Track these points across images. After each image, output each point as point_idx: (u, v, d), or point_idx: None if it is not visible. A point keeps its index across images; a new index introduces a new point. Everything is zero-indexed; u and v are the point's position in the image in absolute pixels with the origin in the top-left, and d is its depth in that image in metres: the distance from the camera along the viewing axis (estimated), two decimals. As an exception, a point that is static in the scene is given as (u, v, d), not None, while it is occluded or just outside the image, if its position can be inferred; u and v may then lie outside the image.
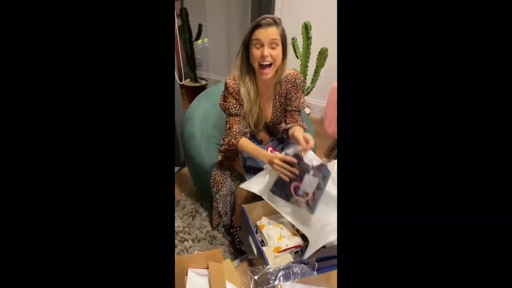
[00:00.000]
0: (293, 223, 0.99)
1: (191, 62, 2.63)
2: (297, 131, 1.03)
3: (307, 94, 2.17)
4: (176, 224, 1.35)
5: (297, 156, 0.92)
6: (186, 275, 1.01)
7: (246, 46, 1.01)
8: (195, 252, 1.23)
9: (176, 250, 1.24)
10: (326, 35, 1.93)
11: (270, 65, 0.99)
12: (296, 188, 0.93)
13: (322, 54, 1.94)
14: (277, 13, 2.25)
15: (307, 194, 0.92)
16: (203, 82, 2.75)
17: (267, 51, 0.96)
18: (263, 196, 1.00)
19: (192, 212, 1.44)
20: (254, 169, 1.11)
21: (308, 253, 0.93)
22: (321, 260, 1.04)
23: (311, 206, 0.93)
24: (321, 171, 0.91)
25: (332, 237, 0.93)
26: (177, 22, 2.41)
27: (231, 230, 1.29)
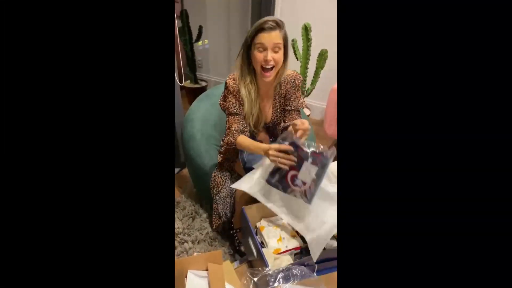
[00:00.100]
0: (288, 221, 0.97)
1: (192, 64, 2.64)
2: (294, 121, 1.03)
3: (307, 96, 2.18)
4: (176, 226, 1.35)
5: (294, 144, 0.89)
6: (186, 276, 1.01)
7: (248, 47, 1.02)
8: (195, 253, 1.23)
9: (176, 252, 1.24)
10: (326, 35, 1.94)
11: (272, 68, 1.00)
12: (294, 178, 0.91)
13: (322, 56, 1.95)
14: (277, 14, 2.25)
15: (305, 183, 0.90)
16: (203, 84, 2.76)
17: (270, 55, 0.97)
18: (255, 196, 0.98)
19: (192, 214, 1.44)
20: (254, 170, 1.11)
21: (315, 253, 0.92)
22: (321, 262, 1.04)
23: (308, 196, 0.91)
24: (320, 159, 0.88)
25: (332, 232, 0.92)
26: (178, 23, 2.42)
27: (231, 232, 1.29)
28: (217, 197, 1.22)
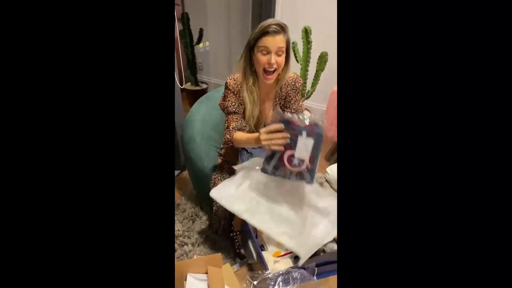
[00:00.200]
0: (273, 235, 0.94)
1: (192, 66, 2.64)
2: None
3: (307, 98, 2.18)
4: (176, 228, 1.35)
5: (285, 121, 0.84)
6: (186, 279, 1.01)
7: (250, 49, 1.02)
8: (195, 256, 1.22)
9: (176, 254, 1.23)
10: (326, 35, 1.95)
11: (274, 70, 1.01)
12: (291, 158, 0.86)
13: (322, 58, 1.95)
14: (277, 16, 2.26)
15: (303, 161, 0.85)
16: (204, 86, 2.76)
17: (273, 59, 0.97)
18: (237, 213, 0.96)
19: (192, 216, 1.43)
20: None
21: (302, 260, 0.91)
22: (321, 265, 1.03)
23: (309, 174, 0.87)
24: (314, 130, 0.84)
25: (321, 239, 0.91)
26: (178, 26, 2.43)
27: (231, 234, 1.28)
28: (217, 200, 1.21)
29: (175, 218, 1.42)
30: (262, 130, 0.87)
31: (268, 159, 0.89)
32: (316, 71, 2.03)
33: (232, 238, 1.28)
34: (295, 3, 2.22)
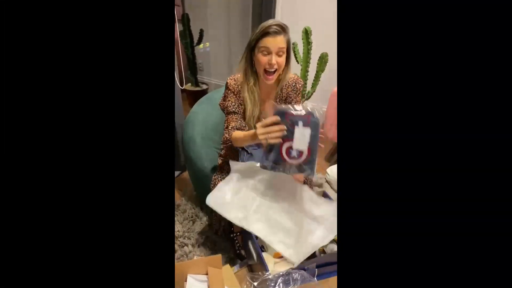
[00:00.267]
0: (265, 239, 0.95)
1: (193, 67, 2.65)
2: None
3: (307, 99, 2.18)
4: (176, 229, 1.35)
5: (280, 112, 0.82)
6: (186, 280, 1.01)
7: (251, 50, 1.02)
8: (195, 257, 1.22)
9: (176, 255, 1.23)
10: (326, 35, 1.95)
11: (275, 71, 1.01)
12: (289, 150, 0.85)
13: (323, 59, 1.95)
14: (278, 17, 2.26)
15: (301, 152, 0.85)
16: (204, 87, 2.76)
17: (274, 59, 0.97)
18: (234, 221, 0.96)
19: (192, 217, 1.43)
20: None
21: (296, 259, 0.91)
22: (321, 266, 1.03)
23: (309, 166, 0.86)
24: (310, 119, 0.83)
25: (315, 240, 0.91)
26: (179, 27, 2.43)
27: (231, 235, 1.28)
28: (217, 200, 1.21)
29: (175, 219, 1.42)
30: (258, 124, 0.86)
31: (267, 154, 0.88)
32: (316, 71, 2.03)
33: (232, 239, 1.28)
34: (295, 3, 2.22)
